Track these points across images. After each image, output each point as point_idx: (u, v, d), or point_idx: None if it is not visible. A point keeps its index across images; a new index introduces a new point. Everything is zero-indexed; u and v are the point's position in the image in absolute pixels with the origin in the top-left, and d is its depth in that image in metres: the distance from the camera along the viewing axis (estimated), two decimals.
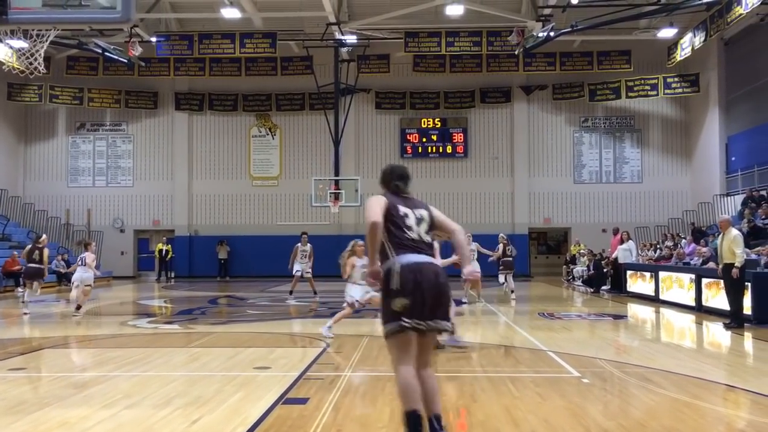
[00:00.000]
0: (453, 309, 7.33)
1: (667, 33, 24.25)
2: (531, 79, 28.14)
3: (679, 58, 25.20)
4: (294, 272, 17.32)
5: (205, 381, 7.07)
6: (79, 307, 13.73)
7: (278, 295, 18.75)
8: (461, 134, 28.64)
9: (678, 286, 15.54)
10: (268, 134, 29.36)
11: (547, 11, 22.22)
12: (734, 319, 11.43)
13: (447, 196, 28.47)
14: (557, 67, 26.39)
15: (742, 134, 24.18)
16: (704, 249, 16.14)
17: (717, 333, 11.31)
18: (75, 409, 5.89)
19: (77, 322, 12.93)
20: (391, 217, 4.54)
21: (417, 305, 4.27)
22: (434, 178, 28.59)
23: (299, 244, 17.42)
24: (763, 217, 18.41)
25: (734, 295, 11.46)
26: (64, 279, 24.05)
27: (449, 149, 28.63)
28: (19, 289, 20.44)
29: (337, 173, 25.76)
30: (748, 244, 15.05)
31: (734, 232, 11.53)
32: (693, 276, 14.71)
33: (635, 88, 26.89)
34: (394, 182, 4.87)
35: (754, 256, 14.07)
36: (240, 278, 27.37)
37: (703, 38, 22.74)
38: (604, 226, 27.25)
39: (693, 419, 5.61)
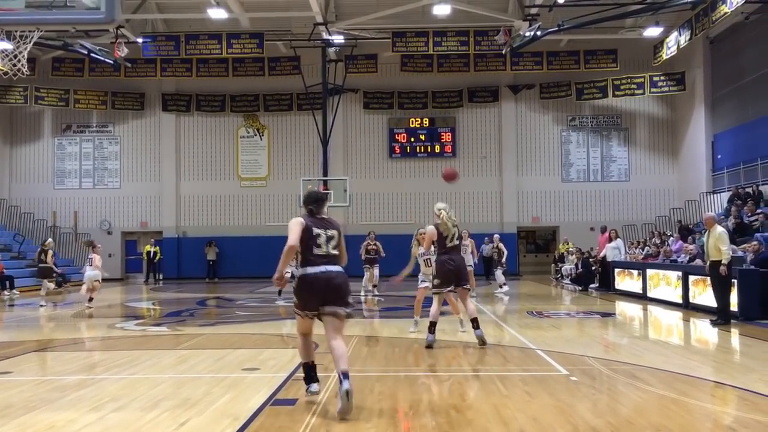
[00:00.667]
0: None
1: (652, 32, 24.39)
2: (518, 79, 28.22)
3: (665, 57, 25.35)
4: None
5: (193, 383, 7.04)
6: (91, 299, 15.73)
7: (267, 296, 18.70)
8: (449, 134, 28.68)
9: (665, 284, 15.63)
10: (256, 135, 29.29)
11: (533, 11, 22.31)
12: (721, 316, 11.51)
13: (436, 196, 28.39)
14: (544, 66, 26.47)
15: (728, 132, 24.35)
16: (691, 246, 16.24)
17: (704, 330, 11.38)
18: (62, 413, 5.85)
19: (89, 314, 14.66)
20: (306, 238, 5.89)
21: (311, 301, 5.92)
22: (423, 177, 28.62)
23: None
24: (749, 214, 18.54)
25: (721, 292, 11.54)
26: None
27: (437, 149, 28.67)
28: (5, 293, 20.31)
29: (325, 173, 25.75)
30: (734, 241, 15.17)
31: (719, 229, 11.61)
32: (680, 273, 14.79)
33: (622, 87, 27.02)
34: (309, 206, 6.10)
35: (740, 253, 14.17)
36: (229, 279, 27.28)
37: (688, 37, 22.89)
38: (592, 224, 27.39)
39: (680, 416, 5.64)
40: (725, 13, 19.91)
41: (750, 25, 22.52)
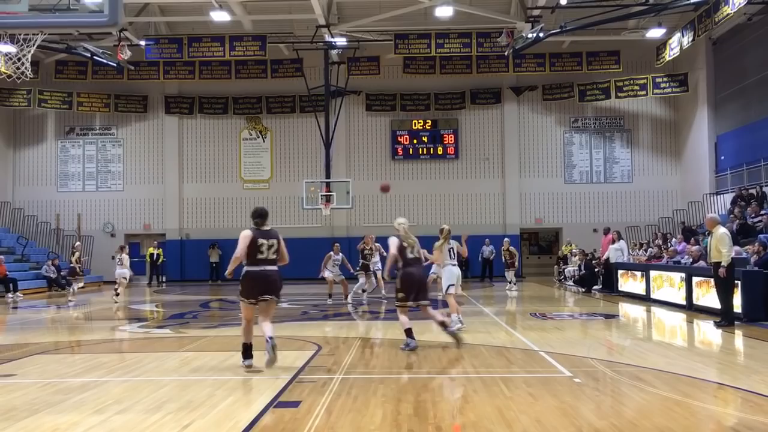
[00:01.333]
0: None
1: (655, 33, 24.36)
2: (521, 80, 28.21)
3: (667, 58, 25.31)
4: (325, 276, 17.31)
5: (196, 385, 7.05)
6: (117, 294, 18.41)
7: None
8: (452, 135, 28.68)
9: (669, 285, 15.61)
10: (258, 137, 29.31)
11: (536, 12, 22.28)
12: (724, 318, 11.49)
13: (438, 198, 28.52)
14: (547, 67, 26.44)
15: (731, 133, 24.31)
16: (694, 248, 16.21)
17: (708, 331, 11.35)
18: (66, 415, 5.86)
19: (117, 308, 16.55)
20: (252, 246, 7.69)
21: (252, 292, 7.80)
22: (425, 179, 28.62)
23: (332, 253, 17.42)
24: (753, 215, 18.51)
25: (724, 293, 11.52)
26: (54, 284, 23.96)
27: (440, 150, 28.66)
28: (9, 295, 20.35)
29: (328, 175, 25.74)
30: (738, 242, 15.14)
31: (721, 230, 11.58)
32: (683, 275, 14.77)
33: (624, 89, 27.00)
34: (255, 220, 7.89)
35: (744, 254, 14.14)
36: (232, 282, 27.24)
37: (691, 38, 22.86)
38: (595, 226, 27.34)
39: (684, 417, 5.63)
40: (728, 14, 19.88)
41: (753, 26, 22.48)
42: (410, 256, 9.12)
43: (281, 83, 27.80)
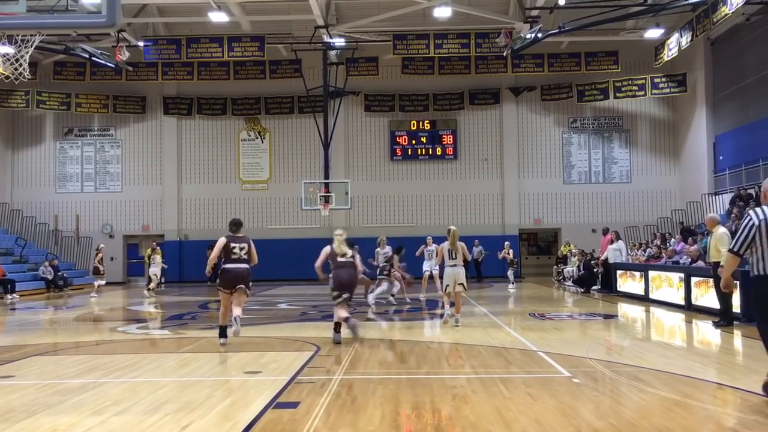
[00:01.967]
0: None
1: (653, 33, 24.39)
2: (519, 81, 28.22)
3: (666, 59, 25.33)
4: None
5: (195, 386, 7.04)
6: (149, 289, 20.77)
7: (269, 299, 18.70)
8: (451, 136, 28.68)
9: (668, 285, 15.61)
10: (257, 138, 29.30)
11: (534, 12, 22.29)
12: (723, 318, 11.49)
13: (437, 198, 28.53)
14: (545, 68, 26.45)
15: (730, 133, 24.33)
16: (693, 248, 16.21)
17: (706, 331, 11.36)
18: (64, 417, 5.85)
19: (151, 303, 18.15)
20: (227, 249, 9.82)
21: (228, 284, 9.82)
22: (424, 180, 28.63)
23: (378, 248, 17.12)
24: None
25: (723, 293, 11.50)
26: (52, 285, 23.93)
27: (439, 151, 28.67)
28: (9, 296, 20.33)
29: (327, 176, 25.74)
30: None
31: (721, 230, 11.59)
32: (682, 275, 14.77)
33: (623, 89, 27.01)
34: (231, 228, 10.07)
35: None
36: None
37: (689, 38, 22.88)
38: (593, 226, 27.35)
39: (683, 417, 5.64)
40: (726, 15, 19.90)
41: (751, 26, 22.51)
42: (340, 260, 10.35)
43: (280, 84, 27.80)
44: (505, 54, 24.29)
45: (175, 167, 29.08)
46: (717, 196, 24.36)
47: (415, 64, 26.55)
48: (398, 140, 28.75)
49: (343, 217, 27.96)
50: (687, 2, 20.16)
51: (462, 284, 11.73)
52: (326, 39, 24.28)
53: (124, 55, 23.43)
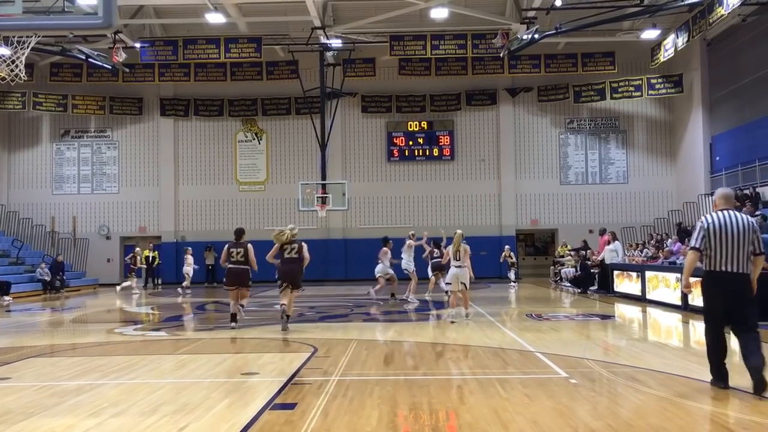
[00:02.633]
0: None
1: (650, 34, 24.43)
2: (516, 82, 28.25)
3: (662, 59, 25.38)
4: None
5: (192, 388, 7.03)
6: (183, 287, 22.36)
7: (266, 301, 18.67)
8: (448, 137, 28.70)
9: (664, 286, 15.63)
10: (254, 139, 29.29)
11: (531, 14, 22.33)
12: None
13: (434, 199, 28.53)
14: (542, 69, 26.49)
15: (726, 134, 24.38)
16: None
17: (703, 332, 11.34)
18: (61, 418, 5.85)
19: (183, 302, 18.94)
20: (228, 253, 11.96)
21: (229, 282, 11.93)
22: (421, 180, 28.64)
23: (386, 248, 17.26)
24: (750, 215, 18.56)
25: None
26: (49, 287, 23.90)
27: (436, 152, 28.68)
28: (5, 298, 20.28)
29: (324, 177, 25.74)
30: None
31: None
32: (679, 275, 14.77)
33: (620, 90, 27.06)
34: (235, 236, 12.17)
35: None
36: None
37: (685, 39, 22.92)
38: (590, 226, 27.39)
39: (680, 418, 5.65)
40: (722, 15, 19.94)
41: (747, 27, 22.57)
42: (286, 256, 11.85)
43: (277, 85, 27.81)
44: (501, 55, 24.32)
45: (172, 168, 29.05)
46: (713, 197, 24.38)
47: (412, 65, 26.58)
48: (395, 141, 28.76)
49: (340, 218, 27.97)
50: (683, 3, 20.20)
51: (464, 284, 12.66)
52: (323, 40, 24.29)
53: (121, 57, 23.42)
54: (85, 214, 29.30)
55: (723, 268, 6.48)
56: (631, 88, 26.93)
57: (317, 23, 23.07)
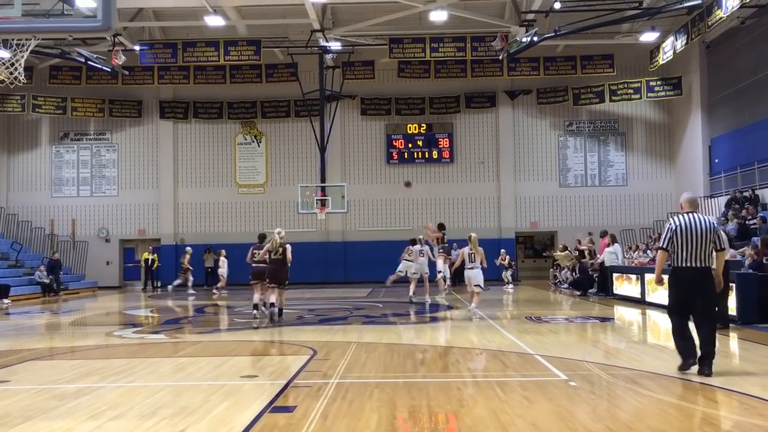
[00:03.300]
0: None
1: (649, 37, 24.46)
2: (515, 84, 28.27)
3: (661, 62, 25.42)
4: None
5: (191, 391, 7.02)
6: (218, 288, 22.82)
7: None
8: (447, 139, 28.71)
9: (663, 288, 15.58)
10: (253, 141, 29.29)
11: (530, 16, 22.38)
12: (719, 320, 11.48)
13: (433, 202, 28.53)
14: (541, 71, 26.53)
15: (725, 136, 24.39)
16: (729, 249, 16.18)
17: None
18: (60, 421, 5.84)
19: (217, 301, 19.85)
20: (253, 253, 13.91)
21: (255, 277, 13.86)
22: (420, 183, 28.65)
23: (410, 247, 17.95)
24: (750, 217, 18.58)
25: (719, 296, 11.51)
26: (48, 290, 23.87)
27: (435, 155, 28.69)
28: (5, 300, 20.27)
29: (323, 180, 25.75)
30: (733, 245, 15.16)
31: None
32: None
33: (619, 92, 27.10)
34: (258, 239, 14.27)
35: (739, 257, 14.17)
36: (227, 286, 27.21)
37: (684, 42, 22.96)
38: (590, 229, 27.33)
39: (680, 420, 5.64)
40: (721, 18, 19.98)
41: (746, 30, 22.60)
42: (273, 257, 13.02)
43: (276, 88, 27.83)
44: (501, 57, 24.35)
45: (172, 171, 29.05)
46: (713, 199, 24.42)
47: (411, 67, 26.61)
48: (394, 144, 28.77)
49: (340, 221, 27.98)
50: (682, 6, 20.24)
51: (478, 285, 13.43)
52: (322, 43, 24.31)
53: (120, 59, 23.43)
54: (85, 216, 29.30)
55: (688, 264, 7.27)
56: (630, 91, 26.97)
57: (316, 26, 23.10)
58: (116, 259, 29.36)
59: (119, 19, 21.10)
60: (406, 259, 17.84)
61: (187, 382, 7.60)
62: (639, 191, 28.30)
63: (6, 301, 20.33)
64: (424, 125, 28.74)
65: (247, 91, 28.25)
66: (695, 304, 7.40)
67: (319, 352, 9.43)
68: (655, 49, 25.73)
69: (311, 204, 24.46)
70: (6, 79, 8.73)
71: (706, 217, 7.48)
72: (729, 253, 7.46)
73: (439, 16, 23.16)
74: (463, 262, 13.70)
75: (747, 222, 18.44)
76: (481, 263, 13.45)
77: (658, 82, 26.81)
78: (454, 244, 25.86)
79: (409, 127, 28.76)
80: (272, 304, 12.97)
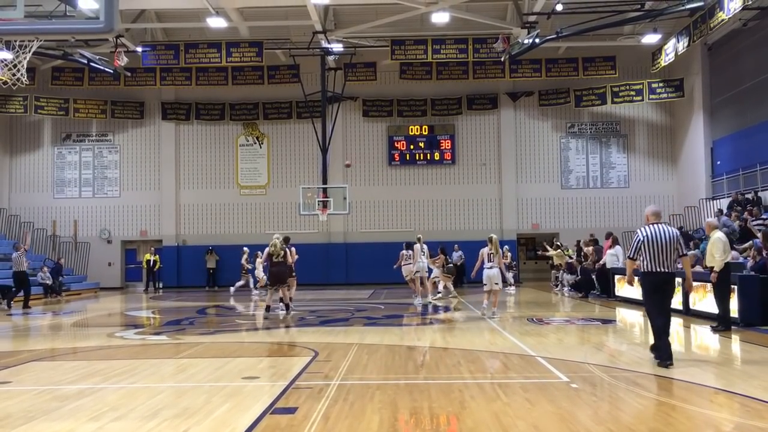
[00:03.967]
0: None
1: (651, 39, 24.45)
2: (517, 86, 28.27)
3: (663, 64, 25.41)
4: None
5: (192, 392, 7.03)
6: (257, 288, 22.69)
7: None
8: (449, 141, 28.71)
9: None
10: (255, 143, 29.31)
11: (532, 18, 22.37)
12: (721, 322, 11.49)
13: (435, 203, 28.53)
14: (543, 73, 26.51)
15: (727, 138, 24.37)
16: (691, 253, 16.19)
17: (704, 336, 11.36)
18: (61, 423, 5.84)
19: (258, 302, 19.45)
20: (270, 254, 14.52)
21: (274, 280, 14.67)
22: (422, 185, 28.64)
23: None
24: (753, 219, 18.56)
25: (721, 298, 11.52)
26: (50, 291, 23.86)
27: (437, 156, 28.69)
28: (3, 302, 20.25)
29: (325, 181, 25.74)
30: (733, 246, 15.13)
31: (716, 235, 11.55)
32: (680, 279, 14.73)
33: (620, 94, 27.08)
34: (272, 242, 14.64)
35: (741, 259, 14.14)
36: (228, 288, 27.21)
37: (686, 43, 22.95)
38: (592, 231, 27.22)
39: (681, 422, 5.63)
40: (723, 20, 19.96)
41: (748, 32, 22.59)
42: (275, 260, 14.37)
43: (278, 89, 27.85)
44: (502, 59, 24.35)
45: (173, 172, 29.07)
46: (714, 201, 24.39)
47: (413, 69, 26.61)
48: (396, 145, 28.77)
49: (341, 222, 27.97)
50: (684, 8, 20.23)
51: (497, 283, 14.05)
52: (324, 44, 24.32)
53: (122, 61, 23.46)
54: (87, 217, 29.33)
55: (656, 269, 8.26)
56: (632, 93, 26.96)
57: (318, 27, 23.11)
58: (118, 261, 29.38)
59: (121, 21, 21.15)
60: (404, 265, 17.68)
61: (188, 383, 7.60)
62: (641, 193, 28.25)
63: (9, 304, 20.31)
64: (426, 127, 28.74)
65: (249, 92, 28.27)
66: (664, 302, 8.46)
67: (321, 354, 9.43)
68: (657, 51, 25.72)
69: (313, 205, 24.45)
70: (8, 81, 8.74)
71: (670, 227, 8.41)
72: (693, 257, 8.19)
73: (440, 18, 23.16)
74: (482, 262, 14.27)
75: (749, 224, 18.39)
76: (498, 264, 14.22)
77: (660, 84, 26.80)
78: (455, 245, 25.96)
79: (411, 129, 28.75)
80: (280, 301, 14.73)
